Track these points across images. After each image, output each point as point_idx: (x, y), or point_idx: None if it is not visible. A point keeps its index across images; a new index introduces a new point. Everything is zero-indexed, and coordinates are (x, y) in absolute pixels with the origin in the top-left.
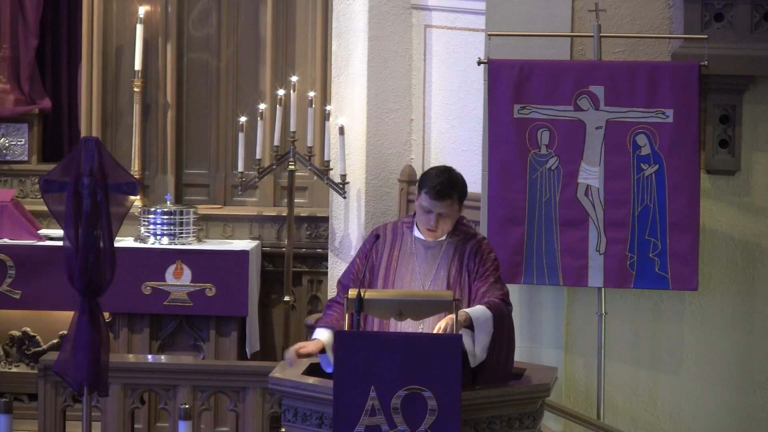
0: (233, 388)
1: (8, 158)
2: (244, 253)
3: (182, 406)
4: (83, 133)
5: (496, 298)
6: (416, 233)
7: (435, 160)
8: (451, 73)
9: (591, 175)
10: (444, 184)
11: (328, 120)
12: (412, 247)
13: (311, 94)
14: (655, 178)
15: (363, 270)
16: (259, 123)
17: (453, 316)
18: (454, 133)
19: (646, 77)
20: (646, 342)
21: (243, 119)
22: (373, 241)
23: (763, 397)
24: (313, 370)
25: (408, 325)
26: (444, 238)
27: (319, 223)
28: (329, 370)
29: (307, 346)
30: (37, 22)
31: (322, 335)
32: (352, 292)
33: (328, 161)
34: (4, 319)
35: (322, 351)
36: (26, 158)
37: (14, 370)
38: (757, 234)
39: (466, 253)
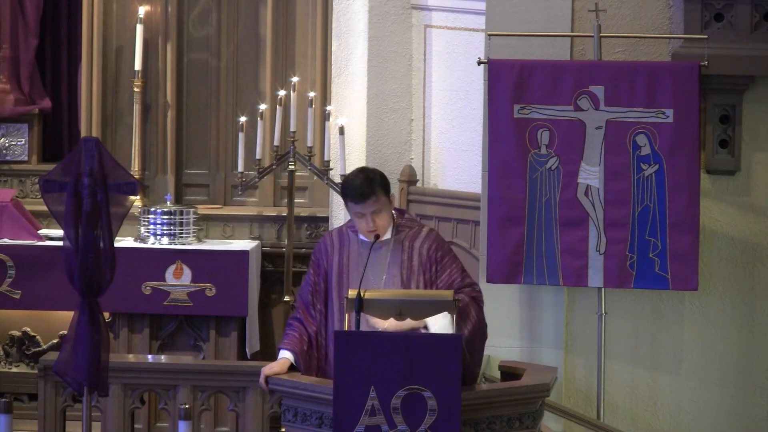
0: (233, 388)
1: (8, 158)
2: (244, 253)
3: (182, 406)
4: (83, 133)
5: (468, 296)
6: (362, 236)
7: (435, 160)
8: (451, 73)
9: (591, 175)
10: (362, 185)
11: (328, 120)
12: (360, 251)
13: (311, 94)
14: (655, 178)
15: (318, 281)
16: (259, 123)
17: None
18: (454, 133)
19: (646, 77)
20: (646, 342)
21: (243, 119)
22: (324, 251)
23: (763, 397)
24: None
25: (365, 325)
26: (389, 236)
27: (319, 223)
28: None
29: (273, 368)
30: (37, 22)
31: (286, 355)
32: (352, 292)
33: (328, 161)
34: (4, 319)
35: (291, 368)
36: (26, 158)
37: (14, 370)
38: (757, 234)
39: (416, 249)
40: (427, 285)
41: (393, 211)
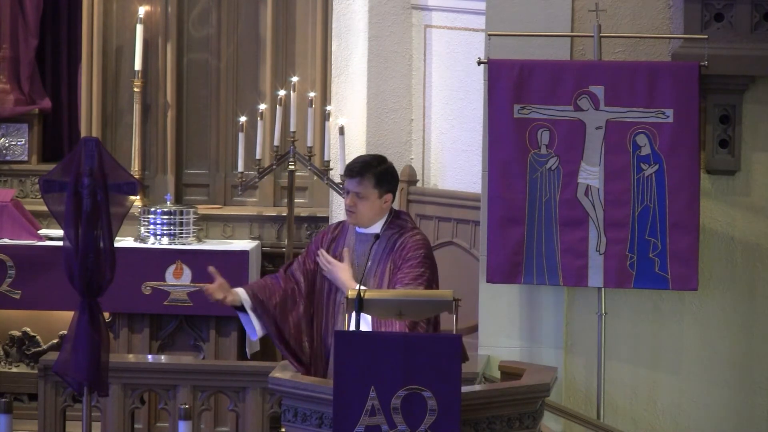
0: (233, 388)
1: (8, 158)
2: (244, 253)
3: (182, 406)
4: (83, 133)
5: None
6: (357, 228)
7: (435, 160)
8: (451, 73)
9: (591, 175)
10: (357, 162)
11: (328, 120)
12: (351, 242)
13: (311, 94)
14: (655, 178)
15: (308, 261)
16: (259, 123)
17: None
18: (454, 133)
19: (646, 77)
20: (646, 342)
21: (243, 119)
22: (322, 237)
23: (763, 397)
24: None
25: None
26: (378, 230)
27: (319, 223)
28: (254, 336)
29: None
30: (37, 22)
31: (240, 292)
32: (352, 292)
33: (328, 161)
34: (4, 319)
35: (241, 309)
36: (26, 158)
37: (14, 370)
38: (757, 234)
39: (395, 247)
40: (390, 283)
41: (389, 209)
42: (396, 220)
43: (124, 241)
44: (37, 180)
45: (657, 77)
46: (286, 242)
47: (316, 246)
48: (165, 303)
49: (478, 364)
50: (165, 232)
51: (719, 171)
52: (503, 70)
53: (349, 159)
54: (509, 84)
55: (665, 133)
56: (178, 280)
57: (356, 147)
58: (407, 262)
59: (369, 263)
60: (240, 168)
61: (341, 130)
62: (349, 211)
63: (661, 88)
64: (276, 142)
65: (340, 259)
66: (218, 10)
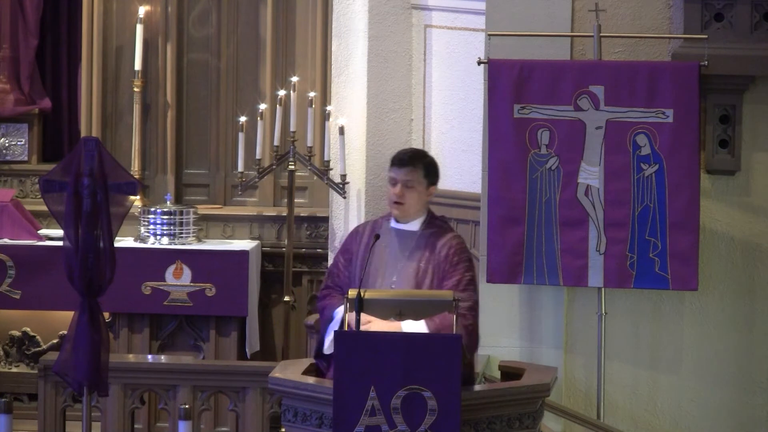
0: (233, 388)
1: (8, 158)
2: (244, 253)
3: (182, 406)
4: (83, 133)
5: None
6: (393, 223)
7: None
8: (451, 73)
9: (591, 175)
10: (407, 152)
11: (328, 120)
12: (387, 237)
13: (311, 94)
14: (655, 178)
15: (346, 266)
16: (259, 123)
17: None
18: (454, 133)
19: (646, 77)
20: (646, 342)
21: (243, 119)
22: (355, 235)
23: (763, 397)
24: (313, 370)
25: None
26: (417, 228)
27: (319, 223)
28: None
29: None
30: (37, 22)
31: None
32: (352, 292)
33: (328, 161)
34: (4, 319)
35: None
36: (26, 158)
37: (14, 370)
38: (757, 234)
39: (437, 248)
40: (435, 285)
41: (428, 207)
42: (434, 220)
43: (124, 241)
44: (37, 180)
45: (657, 77)
46: (286, 242)
47: (353, 244)
48: (165, 303)
49: (478, 364)
50: (165, 232)
51: (719, 171)
52: (503, 70)
53: (349, 159)
54: (509, 84)
55: (665, 133)
56: (178, 280)
57: (356, 147)
58: (455, 267)
59: (389, 254)
60: (240, 168)
61: (341, 130)
62: (397, 202)
63: (661, 88)
64: (276, 142)
65: (375, 250)
66: (218, 10)
